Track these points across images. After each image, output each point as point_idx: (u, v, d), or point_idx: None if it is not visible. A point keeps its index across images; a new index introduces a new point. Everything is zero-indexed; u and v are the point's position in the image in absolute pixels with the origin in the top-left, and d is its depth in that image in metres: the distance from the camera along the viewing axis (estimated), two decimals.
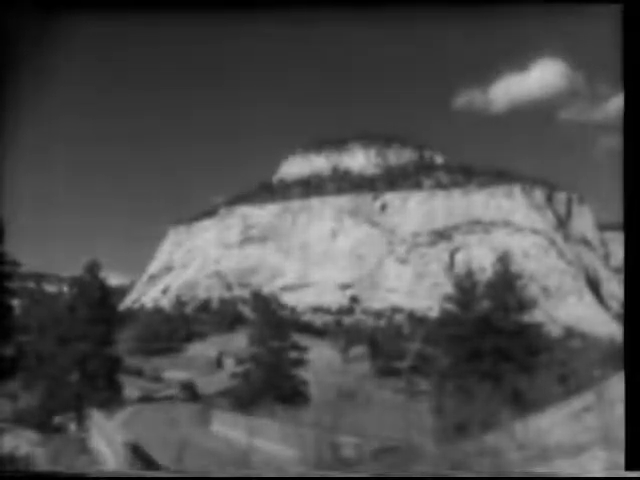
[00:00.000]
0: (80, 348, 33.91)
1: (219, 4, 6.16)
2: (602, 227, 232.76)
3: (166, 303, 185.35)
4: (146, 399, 43.78)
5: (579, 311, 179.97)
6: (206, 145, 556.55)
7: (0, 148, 7.01)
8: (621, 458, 4.79)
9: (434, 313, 76.28)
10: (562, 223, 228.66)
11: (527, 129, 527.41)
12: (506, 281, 23.95)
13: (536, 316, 26.17)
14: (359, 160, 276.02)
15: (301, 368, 32.72)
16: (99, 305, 36.33)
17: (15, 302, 38.84)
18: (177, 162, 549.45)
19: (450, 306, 24.60)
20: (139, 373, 65.22)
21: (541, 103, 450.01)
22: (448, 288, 27.90)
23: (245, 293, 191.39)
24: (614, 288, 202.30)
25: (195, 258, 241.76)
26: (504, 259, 25.00)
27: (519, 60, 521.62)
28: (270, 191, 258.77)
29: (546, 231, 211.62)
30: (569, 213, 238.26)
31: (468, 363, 21.47)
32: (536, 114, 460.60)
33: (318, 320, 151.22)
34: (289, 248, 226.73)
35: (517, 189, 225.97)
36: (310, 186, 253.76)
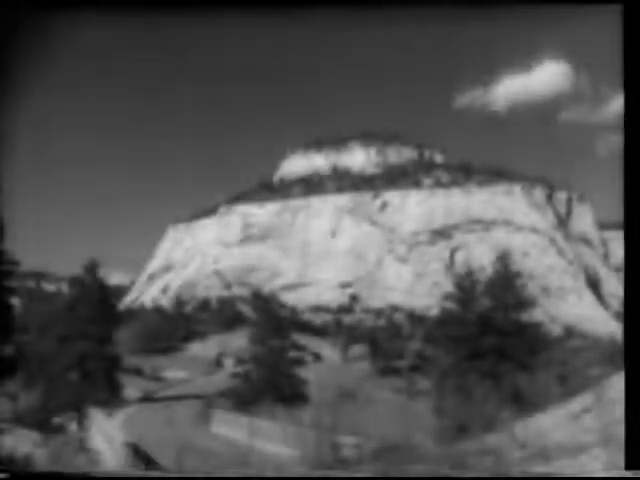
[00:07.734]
0: (80, 347, 33.89)
1: (219, 4, 6.15)
2: (602, 226, 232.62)
3: (166, 302, 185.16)
4: (146, 399, 43.73)
5: (579, 310, 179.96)
6: (207, 144, 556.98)
7: None
8: (621, 458, 4.78)
9: (434, 312, 76.22)
10: (562, 222, 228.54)
11: (528, 129, 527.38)
12: (506, 280, 23.96)
13: (536, 315, 26.17)
14: (359, 159, 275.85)
15: (301, 367, 32.69)
16: (99, 304, 36.32)
17: (15, 301, 38.76)
18: (178, 161, 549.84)
19: (450, 305, 24.62)
20: (139, 372, 65.16)
21: (542, 103, 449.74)
22: (448, 287, 27.84)
23: (245, 292, 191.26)
24: (614, 287, 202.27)
25: (194, 257, 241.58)
26: (504, 258, 25.03)
27: (520, 60, 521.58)
28: (270, 190, 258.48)
29: (546, 230, 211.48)
30: (569, 212, 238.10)
31: (468, 362, 21.48)
32: (537, 114, 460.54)
33: (318, 319, 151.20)
34: (289, 247, 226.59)
35: (517, 188, 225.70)
36: (310, 185, 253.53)
